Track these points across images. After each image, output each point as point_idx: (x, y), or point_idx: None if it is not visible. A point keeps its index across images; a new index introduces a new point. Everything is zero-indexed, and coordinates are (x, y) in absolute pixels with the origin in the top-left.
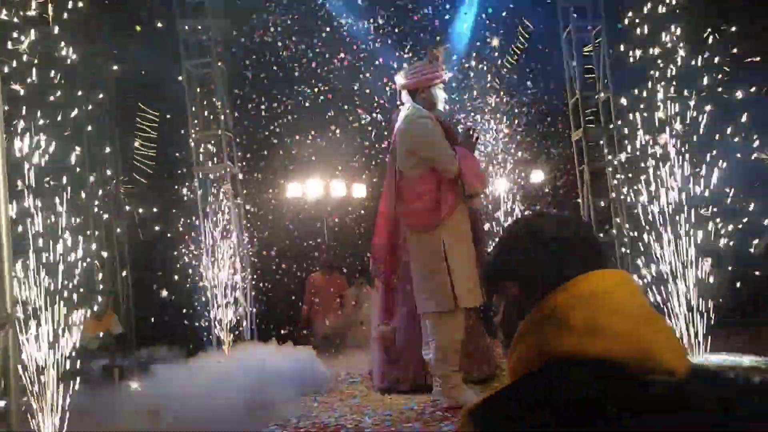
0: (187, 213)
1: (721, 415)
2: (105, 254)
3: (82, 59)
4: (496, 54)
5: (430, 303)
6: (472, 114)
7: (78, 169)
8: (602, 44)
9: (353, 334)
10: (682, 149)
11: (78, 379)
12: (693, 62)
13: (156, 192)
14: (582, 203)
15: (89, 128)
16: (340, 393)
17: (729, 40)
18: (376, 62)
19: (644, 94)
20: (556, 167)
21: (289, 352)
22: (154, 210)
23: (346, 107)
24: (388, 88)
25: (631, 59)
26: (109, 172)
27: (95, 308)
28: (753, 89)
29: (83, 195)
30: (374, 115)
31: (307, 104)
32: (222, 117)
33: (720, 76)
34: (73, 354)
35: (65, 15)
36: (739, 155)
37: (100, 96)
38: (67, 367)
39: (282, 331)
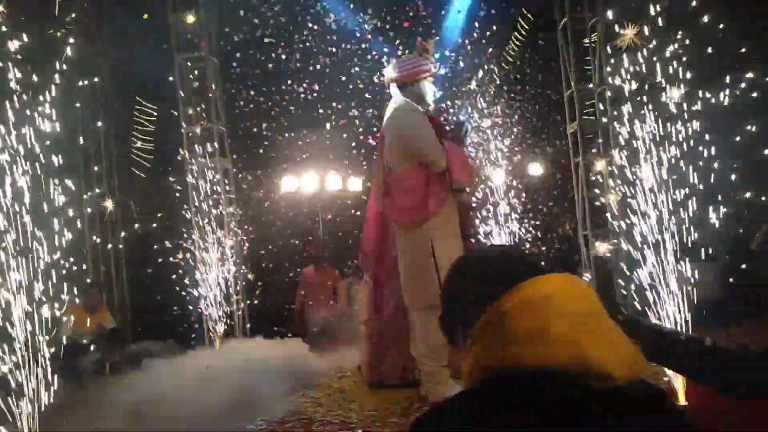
0: (180, 207)
1: (650, 423)
2: (99, 247)
3: (77, 53)
4: (491, 47)
5: (418, 298)
6: (467, 107)
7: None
8: (599, 36)
9: (346, 327)
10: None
11: (57, 375)
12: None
13: (151, 185)
14: (576, 196)
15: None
16: (329, 387)
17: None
18: (372, 54)
19: (641, 86)
20: (555, 160)
21: (280, 346)
22: (151, 203)
23: (340, 100)
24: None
25: (627, 51)
26: (95, 169)
27: (88, 302)
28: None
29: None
30: (371, 108)
31: (301, 98)
32: (215, 111)
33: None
34: (61, 348)
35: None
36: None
37: (91, 81)
38: (47, 363)
39: (275, 326)
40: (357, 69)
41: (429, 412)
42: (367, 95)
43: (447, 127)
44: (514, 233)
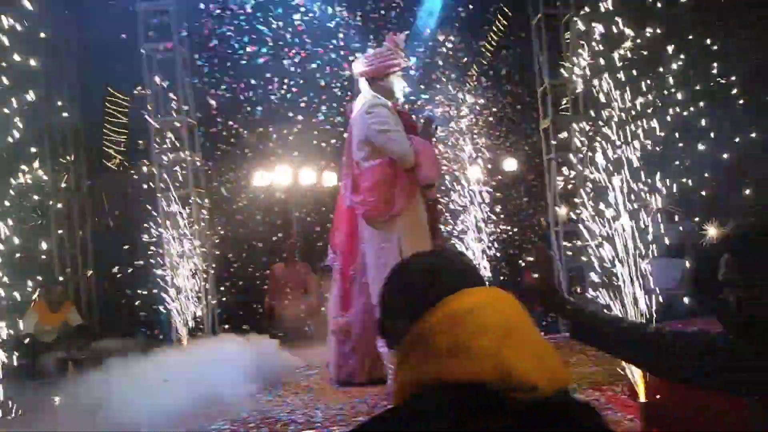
0: (147, 202)
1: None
2: (65, 241)
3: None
4: (463, 44)
5: None
6: (442, 102)
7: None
8: (571, 32)
9: (317, 323)
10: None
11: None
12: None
13: (119, 180)
14: (548, 193)
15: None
16: (296, 386)
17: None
18: (345, 47)
19: (611, 83)
20: (529, 157)
21: (249, 344)
22: (118, 197)
23: (315, 93)
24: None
25: (599, 47)
26: (62, 161)
27: (52, 298)
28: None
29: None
30: (345, 101)
31: (274, 92)
32: (183, 103)
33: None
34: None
35: None
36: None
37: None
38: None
39: (245, 323)
40: (332, 60)
41: (357, 429)
42: (337, 89)
43: (416, 123)
44: (487, 231)
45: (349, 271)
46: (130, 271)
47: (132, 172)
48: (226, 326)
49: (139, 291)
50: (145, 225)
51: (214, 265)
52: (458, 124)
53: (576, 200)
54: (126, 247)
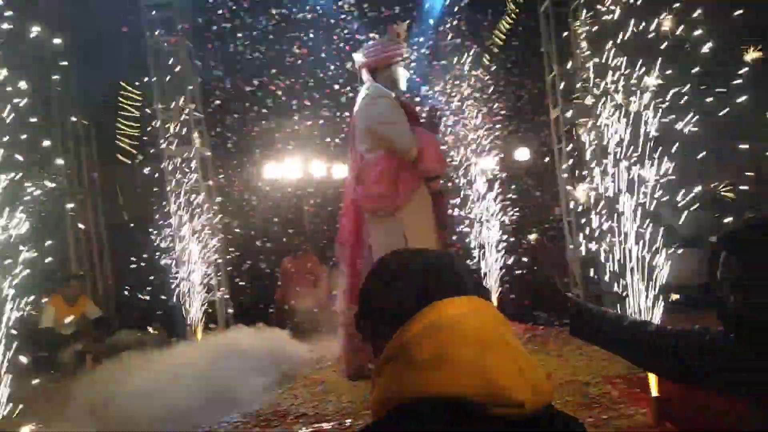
0: (158, 196)
1: None
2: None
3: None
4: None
5: None
6: (452, 92)
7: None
8: (581, 20)
9: (327, 316)
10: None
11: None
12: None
13: (132, 174)
14: (559, 183)
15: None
16: (307, 379)
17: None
18: (353, 37)
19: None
20: (541, 146)
21: (261, 337)
22: (132, 192)
23: (324, 85)
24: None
25: (609, 35)
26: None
27: (68, 293)
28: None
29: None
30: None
31: (283, 83)
32: (191, 96)
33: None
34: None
35: None
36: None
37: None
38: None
39: (257, 315)
40: (341, 52)
41: None
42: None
43: (420, 113)
44: (499, 221)
45: (357, 264)
46: (144, 264)
47: (142, 166)
48: (239, 319)
49: (153, 284)
50: (157, 219)
51: (227, 258)
52: (467, 113)
53: (587, 186)
54: (140, 240)
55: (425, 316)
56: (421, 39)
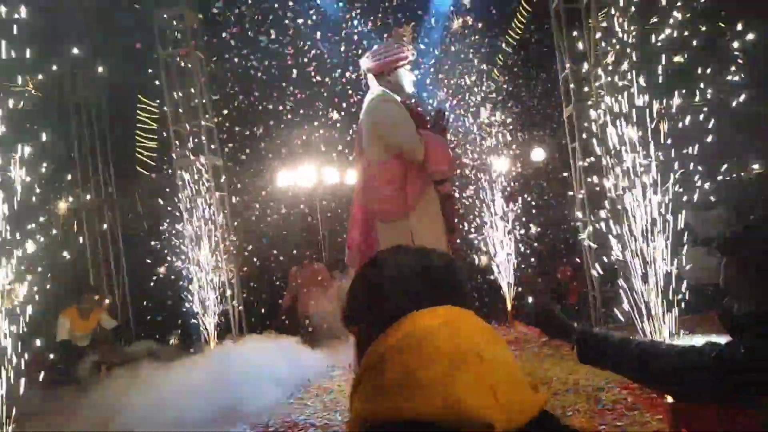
0: (172, 207)
1: None
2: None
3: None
4: (485, 34)
5: None
6: (467, 94)
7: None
8: (592, 18)
9: (338, 322)
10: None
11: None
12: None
13: (148, 185)
14: (574, 183)
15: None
16: (317, 387)
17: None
18: (361, 44)
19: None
20: (555, 146)
21: (273, 345)
22: (148, 203)
23: (334, 92)
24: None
25: (620, 32)
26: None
27: (83, 304)
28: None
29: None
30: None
31: (294, 92)
32: (202, 107)
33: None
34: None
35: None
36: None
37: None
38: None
39: (270, 323)
40: (351, 59)
41: None
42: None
43: (427, 117)
44: (517, 223)
45: None
46: (159, 276)
47: (158, 177)
48: (252, 329)
49: (168, 294)
50: (171, 229)
51: (239, 267)
52: (483, 115)
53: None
54: (155, 251)
55: (401, 327)
56: (432, 39)
